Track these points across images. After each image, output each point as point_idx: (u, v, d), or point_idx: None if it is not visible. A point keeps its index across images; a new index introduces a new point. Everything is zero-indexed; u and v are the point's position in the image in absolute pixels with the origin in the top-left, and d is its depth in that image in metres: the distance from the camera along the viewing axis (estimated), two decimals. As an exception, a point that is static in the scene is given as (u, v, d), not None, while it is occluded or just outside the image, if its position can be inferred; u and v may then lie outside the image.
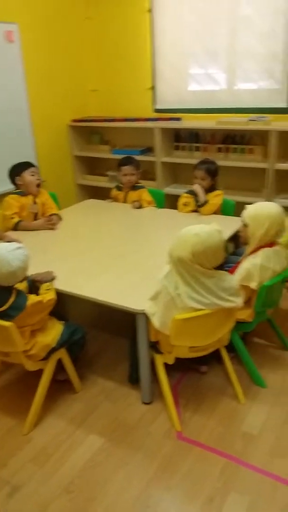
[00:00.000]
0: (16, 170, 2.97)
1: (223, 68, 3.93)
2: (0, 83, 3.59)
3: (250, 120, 3.64)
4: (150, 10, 3.99)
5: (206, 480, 1.79)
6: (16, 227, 2.89)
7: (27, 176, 2.95)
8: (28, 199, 2.99)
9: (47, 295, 2.01)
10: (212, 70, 3.98)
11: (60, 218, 3.05)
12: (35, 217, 3.02)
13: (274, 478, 1.79)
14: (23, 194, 2.98)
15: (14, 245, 1.93)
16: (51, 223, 2.95)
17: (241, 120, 3.71)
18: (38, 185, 3.02)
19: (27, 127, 3.90)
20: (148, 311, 1.94)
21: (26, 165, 2.99)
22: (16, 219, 2.90)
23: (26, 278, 2.03)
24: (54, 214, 3.04)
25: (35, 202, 3.01)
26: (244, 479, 1.79)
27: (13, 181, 2.98)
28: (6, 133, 3.69)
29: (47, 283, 2.10)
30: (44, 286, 2.06)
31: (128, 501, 1.71)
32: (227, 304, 1.88)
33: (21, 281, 1.98)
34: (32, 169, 2.99)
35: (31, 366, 2.07)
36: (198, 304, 1.83)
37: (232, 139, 3.94)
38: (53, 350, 2.09)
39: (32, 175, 2.98)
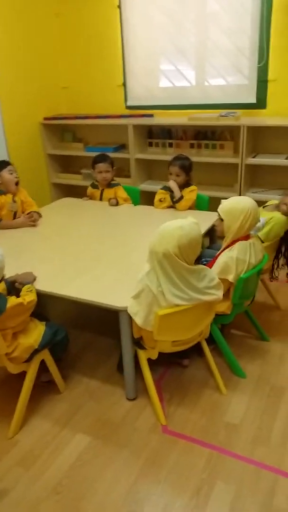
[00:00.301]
0: None
1: (192, 65, 3.97)
2: None
3: (221, 116, 3.70)
4: (119, 6, 3.97)
5: (192, 472, 1.84)
6: None
7: (6, 174, 2.94)
8: (8, 198, 2.98)
9: (27, 297, 1.99)
10: (182, 66, 4.01)
11: (40, 215, 3.06)
12: (15, 215, 3.01)
13: (257, 465, 1.85)
14: (2, 192, 2.96)
15: None
16: (32, 219, 2.96)
17: (212, 116, 3.76)
18: (17, 183, 3.01)
19: (-1, 126, 3.84)
20: (130, 310, 1.95)
21: (3, 164, 2.98)
22: None
23: (3, 279, 2.01)
24: (34, 211, 3.05)
25: (14, 201, 2.99)
26: (229, 468, 1.84)
27: None
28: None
29: (28, 285, 2.08)
30: (25, 288, 2.05)
31: (117, 498, 1.74)
32: (208, 298, 1.92)
33: None
34: (9, 167, 2.98)
35: (14, 368, 2.05)
36: (181, 300, 1.86)
37: (203, 135, 3.99)
38: (36, 352, 2.08)
39: (11, 173, 2.97)
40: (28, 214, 3.00)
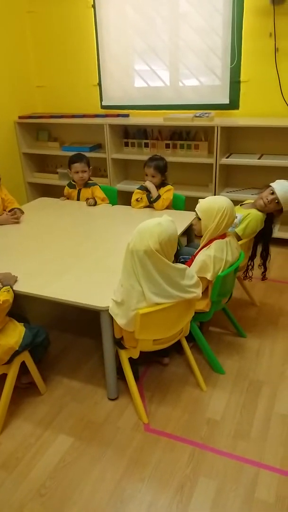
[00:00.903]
0: None
1: (166, 65, 4.00)
2: None
3: (195, 116, 3.75)
4: (93, 6, 3.96)
5: (175, 468, 1.86)
6: None
7: None
8: None
9: (1, 296, 1.96)
10: (157, 66, 4.04)
11: (22, 212, 3.06)
12: None
13: (239, 460, 1.89)
14: None
15: None
16: (15, 217, 2.97)
17: (186, 116, 3.80)
18: None
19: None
20: (112, 311, 1.96)
21: None
22: None
23: None
24: (17, 208, 3.04)
25: None
26: (211, 464, 1.88)
27: None
28: None
29: (6, 287, 2.05)
30: (4, 289, 2.02)
31: (103, 497, 1.74)
32: (188, 296, 1.95)
33: None
34: None
35: (-7, 371, 2.03)
36: (160, 298, 1.88)
37: (179, 135, 4.03)
38: (16, 353, 2.06)
39: None
40: (10, 211, 3.00)
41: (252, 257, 2.76)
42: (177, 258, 2.05)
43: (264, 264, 2.78)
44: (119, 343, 2.14)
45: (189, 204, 3.18)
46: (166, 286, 1.89)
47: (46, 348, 2.32)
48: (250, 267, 2.77)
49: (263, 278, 2.82)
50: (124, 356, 2.14)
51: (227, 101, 3.86)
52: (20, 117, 4.29)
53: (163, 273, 1.87)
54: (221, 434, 2.02)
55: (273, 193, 2.55)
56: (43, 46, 4.34)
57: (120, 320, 1.94)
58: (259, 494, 1.73)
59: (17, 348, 2.05)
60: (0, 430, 2.06)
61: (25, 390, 2.29)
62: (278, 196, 2.52)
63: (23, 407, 2.21)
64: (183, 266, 1.98)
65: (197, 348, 2.49)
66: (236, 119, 3.84)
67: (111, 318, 2.02)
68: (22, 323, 2.19)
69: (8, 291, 2.02)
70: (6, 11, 4.02)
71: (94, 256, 2.47)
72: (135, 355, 2.11)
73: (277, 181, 2.59)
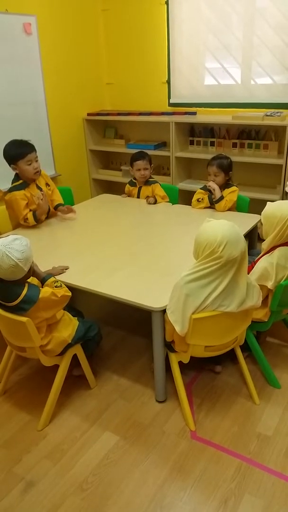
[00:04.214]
0: None
1: (239, 62, 3.87)
2: (18, 75, 3.58)
3: (266, 115, 3.59)
4: (166, 3, 3.93)
5: (220, 481, 1.79)
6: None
7: (23, 165, 2.76)
8: (32, 190, 2.84)
9: (61, 290, 2.00)
10: (228, 64, 3.93)
11: (71, 210, 3.02)
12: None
13: (289, 481, 1.78)
14: (25, 185, 2.79)
15: (9, 238, 1.88)
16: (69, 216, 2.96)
17: (257, 115, 3.66)
18: (38, 172, 2.86)
19: (44, 120, 3.89)
20: (171, 318, 1.88)
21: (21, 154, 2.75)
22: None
23: (33, 268, 2.00)
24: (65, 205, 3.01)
25: (40, 189, 2.89)
26: (259, 481, 1.78)
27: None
28: (24, 126, 3.70)
29: (53, 278, 2.07)
30: (50, 280, 2.03)
31: (143, 501, 1.72)
32: (248, 304, 1.87)
33: (29, 272, 1.95)
34: (28, 156, 2.76)
35: (47, 361, 2.08)
36: (226, 308, 1.82)
37: (247, 135, 3.89)
38: (68, 346, 2.10)
39: (29, 164, 2.76)
40: (56, 207, 2.97)
41: None
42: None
43: None
44: (169, 346, 2.09)
45: (254, 206, 3.05)
46: (234, 293, 1.83)
47: (98, 343, 2.33)
48: None
49: None
50: (174, 359, 2.10)
51: (301, 100, 3.66)
52: (88, 114, 4.38)
53: (235, 282, 1.82)
54: (271, 451, 1.92)
55: None
56: (115, 43, 4.39)
57: (178, 327, 1.88)
58: (310, 522, 1.62)
59: (69, 341, 2.08)
60: (49, 420, 2.11)
61: (75, 382, 2.32)
62: None
63: (72, 399, 2.24)
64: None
65: (252, 359, 2.38)
66: (310, 119, 3.63)
67: (163, 320, 1.98)
68: (76, 317, 2.22)
69: (60, 285, 2.03)
70: (82, 10, 4.11)
71: (150, 255, 2.45)
72: (186, 360, 2.06)
73: None
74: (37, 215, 2.80)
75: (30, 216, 2.78)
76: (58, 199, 3.05)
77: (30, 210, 2.81)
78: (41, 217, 2.85)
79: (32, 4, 3.61)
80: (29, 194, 2.78)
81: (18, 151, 2.72)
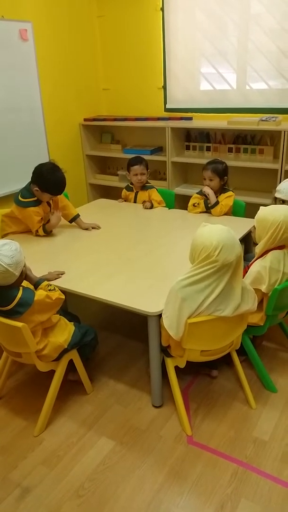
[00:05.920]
0: None
1: (234, 68, 3.90)
2: (14, 81, 3.59)
3: (261, 120, 3.61)
4: (162, 9, 3.96)
5: (216, 486, 1.79)
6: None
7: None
8: (45, 207, 2.93)
9: (55, 293, 2.00)
10: (223, 69, 3.95)
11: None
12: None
13: (285, 486, 1.77)
14: (38, 203, 2.85)
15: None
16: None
17: (252, 120, 3.68)
18: None
19: (41, 125, 3.90)
20: (166, 323, 1.88)
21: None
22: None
23: (25, 272, 2.01)
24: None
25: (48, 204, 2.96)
26: (255, 486, 1.78)
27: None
28: (21, 131, 3.70)
29: (46, 281, 2.08)
30: (43, 284, 2.04)
31: (140, 507, 1.71)
32: (244, 309, 1.87)
33: (21, 276, 1.95)
34: None
35: (43, 366, 2.07)
36: (221, 312, 1.82)
37: (243, 139, 3.91)
38: (65, 351, 2.10)
39: None
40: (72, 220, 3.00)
41: None
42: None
43: None
44: (165, 351, 2.10)
45: (250, 211, 3.06)
46: (228, 299, 1.84)
47: (94, 348, 2.33)
48: None
49: None
50: (170, 364, 2.10)
51: (296, 105, 3.68)
52: (85, 120, 4.39)
53: (230, 287, 1.83)
54: (268, 455, 1.92)
55: None
56: (110, 49, 4.41)
57: (172, 332, 1.88)
58: (306, 527, 1.61)
59: (66, 346, 2.08)
60: (45, 426, 2.10)
61: (71, 388, 2.31)
62: None
63: (69, 405, 2.24)
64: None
65: (249, 363, 2.39)
66: (305, 123, 3.65)
67: (159, 324, 1.99)
68: (72, 322, 2.22)
69: (54, 289, 2.04)
70: (78, 16, 4.13)
71: (146, 260, 2.45)
72: (182, 365, 2.06)
73: None
74: (46, 229, 2.84)
75: (40, 230, 2.84)
76: (72, 211, 3.04)
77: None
78: (50, 229, 2.88)
79: (28, 11, 3.63)
80: (41, 210, 2.86)
81: (55, 190, 2.79)
